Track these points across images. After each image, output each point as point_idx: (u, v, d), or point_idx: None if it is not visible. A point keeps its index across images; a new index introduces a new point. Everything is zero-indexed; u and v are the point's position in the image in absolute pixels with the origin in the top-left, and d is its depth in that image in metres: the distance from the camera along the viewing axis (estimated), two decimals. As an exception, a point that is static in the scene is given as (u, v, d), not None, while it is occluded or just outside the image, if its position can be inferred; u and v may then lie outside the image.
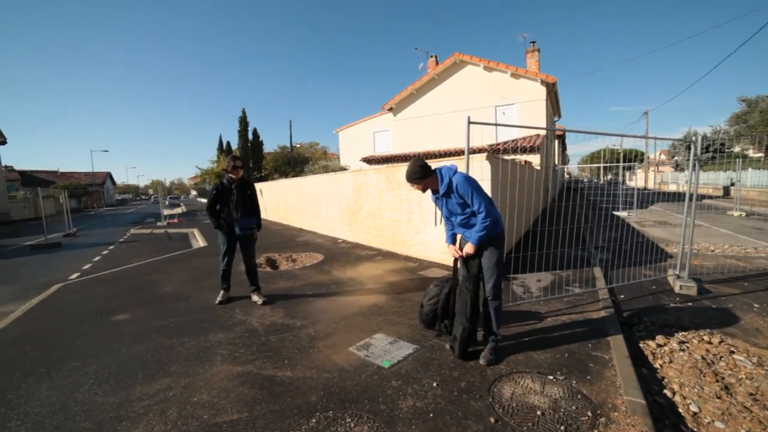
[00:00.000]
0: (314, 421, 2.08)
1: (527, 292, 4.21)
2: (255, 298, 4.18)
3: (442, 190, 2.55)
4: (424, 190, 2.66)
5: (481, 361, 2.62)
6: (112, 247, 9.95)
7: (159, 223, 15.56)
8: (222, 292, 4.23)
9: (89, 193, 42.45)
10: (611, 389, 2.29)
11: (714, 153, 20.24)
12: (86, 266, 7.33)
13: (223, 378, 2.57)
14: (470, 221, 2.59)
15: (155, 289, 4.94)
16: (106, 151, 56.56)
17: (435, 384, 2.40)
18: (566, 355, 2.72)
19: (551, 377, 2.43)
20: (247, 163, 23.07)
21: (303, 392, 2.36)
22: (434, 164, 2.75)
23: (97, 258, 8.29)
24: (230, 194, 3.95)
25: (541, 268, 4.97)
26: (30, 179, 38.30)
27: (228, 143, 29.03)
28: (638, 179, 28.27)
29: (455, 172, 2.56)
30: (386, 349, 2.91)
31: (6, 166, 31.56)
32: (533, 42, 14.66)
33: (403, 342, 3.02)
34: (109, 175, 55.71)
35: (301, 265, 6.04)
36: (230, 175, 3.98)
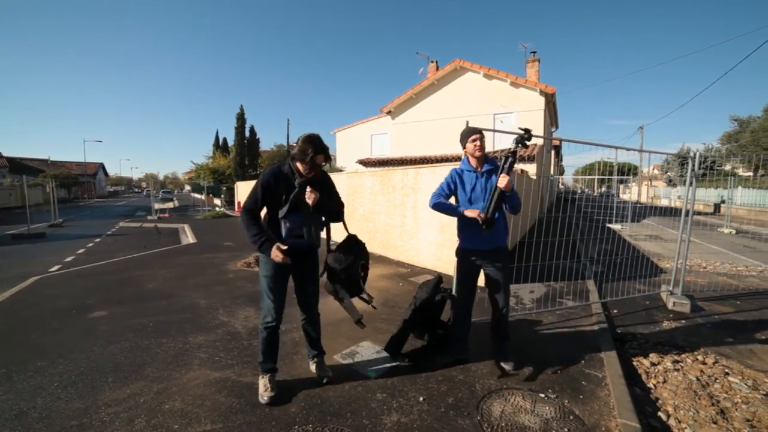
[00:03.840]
0: (292, 435, 1.96)
1: (519, 304, 4.13)
2: (313, 367, 2.53)
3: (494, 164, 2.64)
4: (482, 150, 2.62)
5: (509, 368, 2.62)
6: (98, 240, 9.70)
7: (149, 217, 15.27)
8: (266, 377, 2.29)
9: (80, 183, 41.65)
10: (605, 410, 2.20)
11: (705, 170, 20.57)
12: (68, 258, 7.10)
13: (200, 384, 2.43)
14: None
15: (137, 286, 4.77)
16: (100, 141, 55.53)
17: (422, 398, 2.29)
18: (558, 371, 2.64)
19: (542, 395, 2.34)
20: (242, 161, 22.84)
21: (283, 402, 2.24)
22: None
23: (81, 250, 8.05)
24: (290, 193, 2.14)
25: (534, 279, 4.90)
26: (19, 167, 37.47)
27: (224, 139, 28.75)
28: (632, 193, 28.57)
29: None
30: (373, 359, 2.80)
31: (-6, 153, 30.92)
32: (534, 52, 14.72)
33: (390, 351, 2.90)
34: (102, 166, 54.78)
35: (291, 266, 5.90)
36: (298, 165, 2.18)
